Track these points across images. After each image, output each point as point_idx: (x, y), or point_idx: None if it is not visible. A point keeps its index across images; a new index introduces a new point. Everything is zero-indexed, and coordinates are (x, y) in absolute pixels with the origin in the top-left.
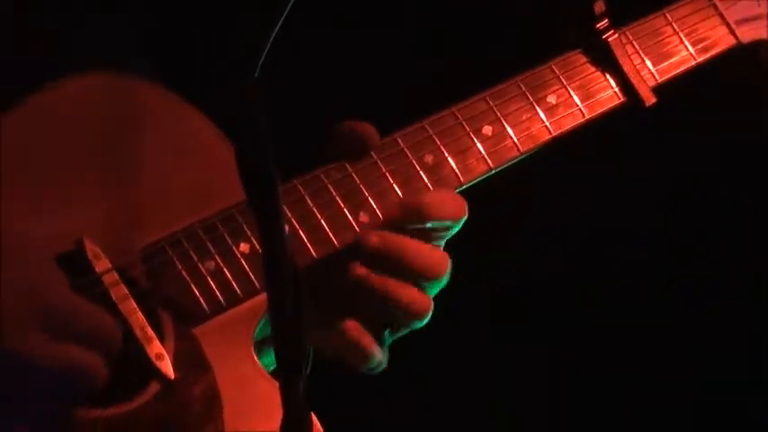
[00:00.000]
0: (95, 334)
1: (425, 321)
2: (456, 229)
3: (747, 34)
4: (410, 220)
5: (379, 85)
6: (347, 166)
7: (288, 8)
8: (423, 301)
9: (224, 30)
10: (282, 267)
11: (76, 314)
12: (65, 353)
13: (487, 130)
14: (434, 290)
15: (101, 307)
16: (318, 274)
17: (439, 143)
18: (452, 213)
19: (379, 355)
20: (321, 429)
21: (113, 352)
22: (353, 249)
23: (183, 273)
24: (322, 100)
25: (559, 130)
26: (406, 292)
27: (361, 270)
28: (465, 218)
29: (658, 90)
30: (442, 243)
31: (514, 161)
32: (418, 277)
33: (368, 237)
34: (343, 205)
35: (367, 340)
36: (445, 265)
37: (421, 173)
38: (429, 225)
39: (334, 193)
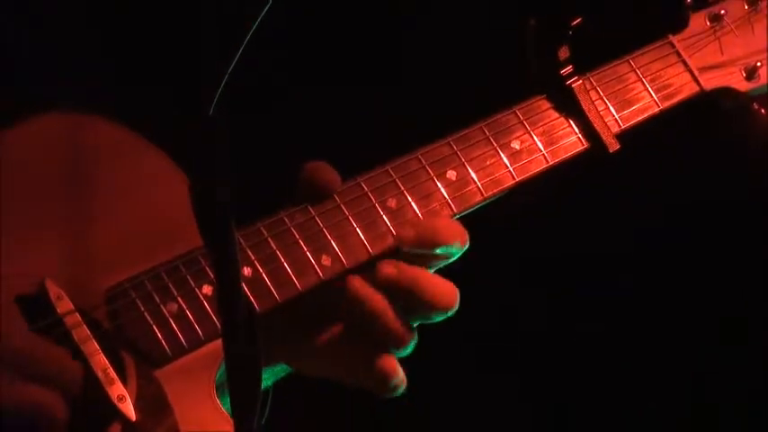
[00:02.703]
0: (53, 373)
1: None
2: (454, 259)
3: (710, 82)
4: (424, 244)
5: (348, 121)
6: (311, 209)
7: (245, 42)
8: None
9: (182, 62)
10: (237, 307)
11: (34, 355)
12: (24, 393)
13: (451, 174)
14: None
15: (59, 348)
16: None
17: (402, 188)
18: (461, 239)
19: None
20: None
21: (72, 390)
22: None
23: (146, 315)
24: (292, 138)
25: (523, 176)
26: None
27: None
28: (467, 247)
29: (621, 136)
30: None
31: (478, 206)
32: (430, 308)
33: (384, 266)
34: (305, 248)
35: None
36: (456, 298)
37: (384, 217)
38: (438, 251)
39: (297, 236)
